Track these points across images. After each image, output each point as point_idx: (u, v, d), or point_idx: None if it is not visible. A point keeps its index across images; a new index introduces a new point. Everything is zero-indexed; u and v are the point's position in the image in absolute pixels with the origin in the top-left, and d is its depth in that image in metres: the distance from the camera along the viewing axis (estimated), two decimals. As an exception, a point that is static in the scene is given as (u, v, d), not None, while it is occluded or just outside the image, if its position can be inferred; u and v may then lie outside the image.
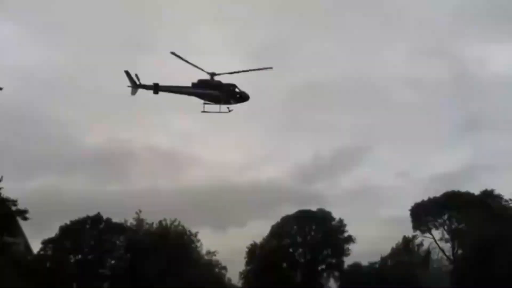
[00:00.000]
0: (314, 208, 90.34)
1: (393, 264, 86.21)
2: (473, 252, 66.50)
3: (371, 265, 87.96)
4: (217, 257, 75.91)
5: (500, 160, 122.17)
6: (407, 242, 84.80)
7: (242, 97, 30.77)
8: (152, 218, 70.85)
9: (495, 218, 66.75)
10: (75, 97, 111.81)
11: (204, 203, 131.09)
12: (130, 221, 69.88)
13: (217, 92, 29.81)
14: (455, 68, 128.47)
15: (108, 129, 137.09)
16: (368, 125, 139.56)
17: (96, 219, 68.63)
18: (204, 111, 30.34)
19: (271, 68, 32.15)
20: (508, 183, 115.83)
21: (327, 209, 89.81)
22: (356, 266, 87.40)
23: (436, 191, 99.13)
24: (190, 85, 30.70)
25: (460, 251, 78.10)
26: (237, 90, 30.45)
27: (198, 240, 72.93)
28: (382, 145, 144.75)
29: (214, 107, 30.41)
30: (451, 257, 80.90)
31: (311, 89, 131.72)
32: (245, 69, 31.02)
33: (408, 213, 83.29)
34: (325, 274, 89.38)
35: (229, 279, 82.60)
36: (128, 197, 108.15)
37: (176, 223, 71.03)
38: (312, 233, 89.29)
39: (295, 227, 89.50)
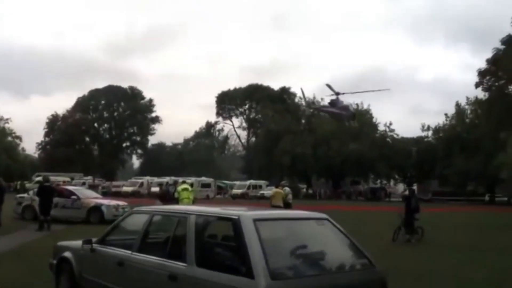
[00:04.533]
0: (125, 85, 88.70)
1: (194, 146, 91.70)
2: (262, 141, 73.43)
3: (175, 145, 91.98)
4: (11, 125, 70.69)
5: (300, 61, 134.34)
6: (209, 127, 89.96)
7: (354, 117, 37.83)
8: None
9: (287, 112, 73.28)
10: None
11: (3, 66, 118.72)
12: None
13: (344, 112, 34.36)
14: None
15: None
16: (184, 5, 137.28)
17: None
18: None
19: (388, 89, 40.26)
20: (303, 81, 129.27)
21: (139, 88, 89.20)
22: (159, 145, 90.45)
23: (242, 82, 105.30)
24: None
25: (253, 139, 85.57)
26: (352, 110, 36.09)
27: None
28: (196, 31, 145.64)
29: None
30: (245, 144, 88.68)
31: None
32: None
33: (214, 100, 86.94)
34: (129, 151, 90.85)
35: (24, 149, 78.20)
36: None
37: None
38: (120, 109, 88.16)
39: (102, 102, 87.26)
